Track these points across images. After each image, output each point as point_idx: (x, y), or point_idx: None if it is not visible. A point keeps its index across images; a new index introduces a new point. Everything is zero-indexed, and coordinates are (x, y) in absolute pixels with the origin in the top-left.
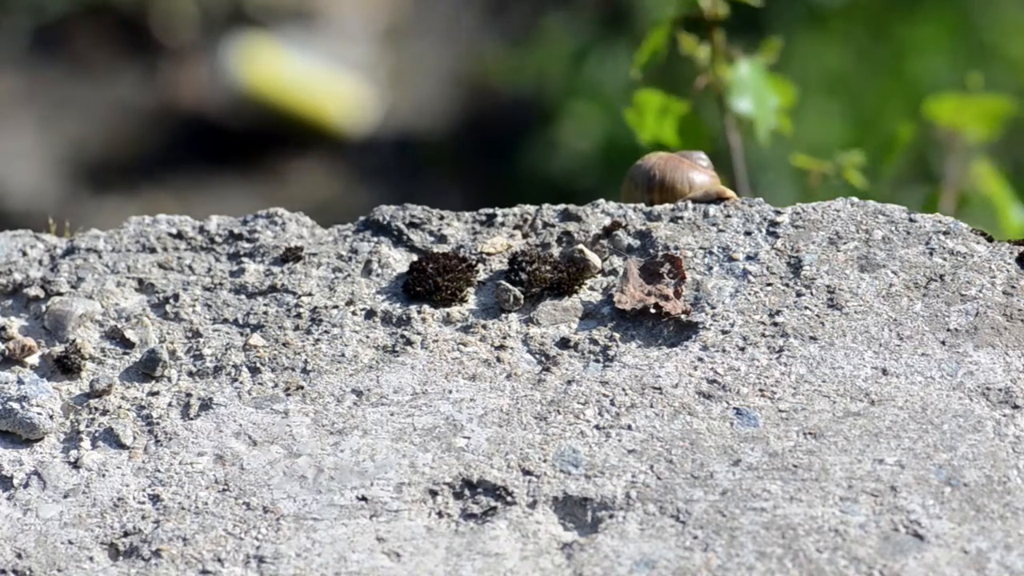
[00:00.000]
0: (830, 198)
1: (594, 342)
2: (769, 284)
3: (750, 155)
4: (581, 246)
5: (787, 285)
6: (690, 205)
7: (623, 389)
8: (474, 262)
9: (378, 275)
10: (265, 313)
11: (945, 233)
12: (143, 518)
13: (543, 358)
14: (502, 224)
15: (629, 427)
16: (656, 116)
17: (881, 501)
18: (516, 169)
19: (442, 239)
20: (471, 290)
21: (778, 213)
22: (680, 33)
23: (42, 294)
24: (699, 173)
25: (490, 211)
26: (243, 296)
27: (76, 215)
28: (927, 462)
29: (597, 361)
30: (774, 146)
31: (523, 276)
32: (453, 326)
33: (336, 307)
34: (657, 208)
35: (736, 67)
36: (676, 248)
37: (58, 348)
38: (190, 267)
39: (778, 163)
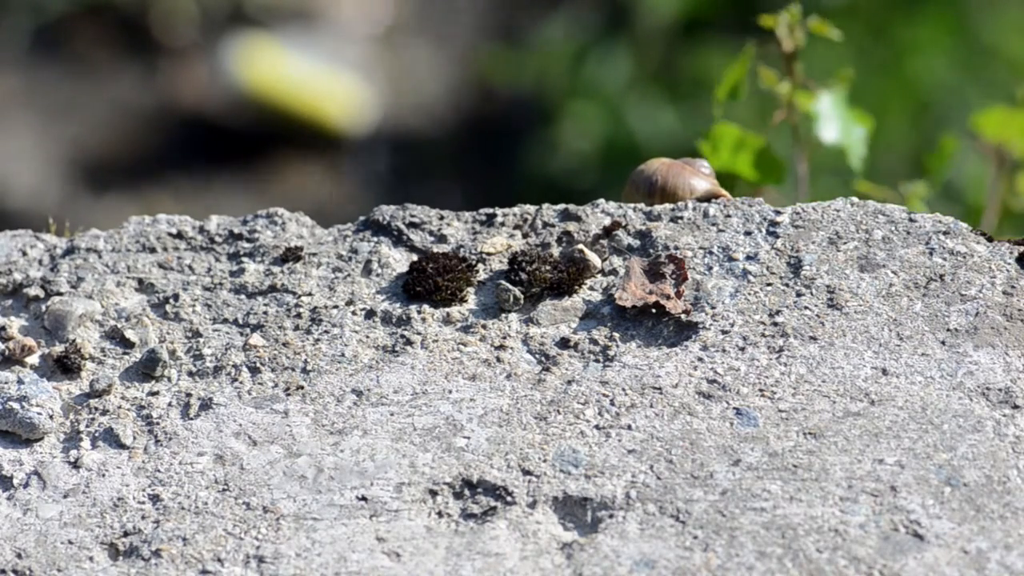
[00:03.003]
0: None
1: (594, 342)
2: (769, 284)
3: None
4: (581, 246)
5: (787, 285)
6: (690, 205)
7: (623, 389)
8: (474, 262)
9: (378, 275)
10: (265, 313)
11: (945, 233)
12: (143, 518)
13: (543, 358)
14: (502, 224)
15: (629, 427)
16: (731, 150)
17: (881, 501)
18: (516, 169)
19: (442, 239)
20: (471, 290)
21: (778, 213)
22: (761, 68)
23: (42, 294)
24: (701, 180)
25: (490, 211)
26: (243, 296)
27: (76, 215)
28: (927, 462)
29: (597, 361)
30: (820, 169)
31: (523, 276)
32: (453, 326)
33: (336, 307)
34: (657, 208)
35: (818, 99)
36: (676, 248)
37: (58, 348)
38: (190, 267)
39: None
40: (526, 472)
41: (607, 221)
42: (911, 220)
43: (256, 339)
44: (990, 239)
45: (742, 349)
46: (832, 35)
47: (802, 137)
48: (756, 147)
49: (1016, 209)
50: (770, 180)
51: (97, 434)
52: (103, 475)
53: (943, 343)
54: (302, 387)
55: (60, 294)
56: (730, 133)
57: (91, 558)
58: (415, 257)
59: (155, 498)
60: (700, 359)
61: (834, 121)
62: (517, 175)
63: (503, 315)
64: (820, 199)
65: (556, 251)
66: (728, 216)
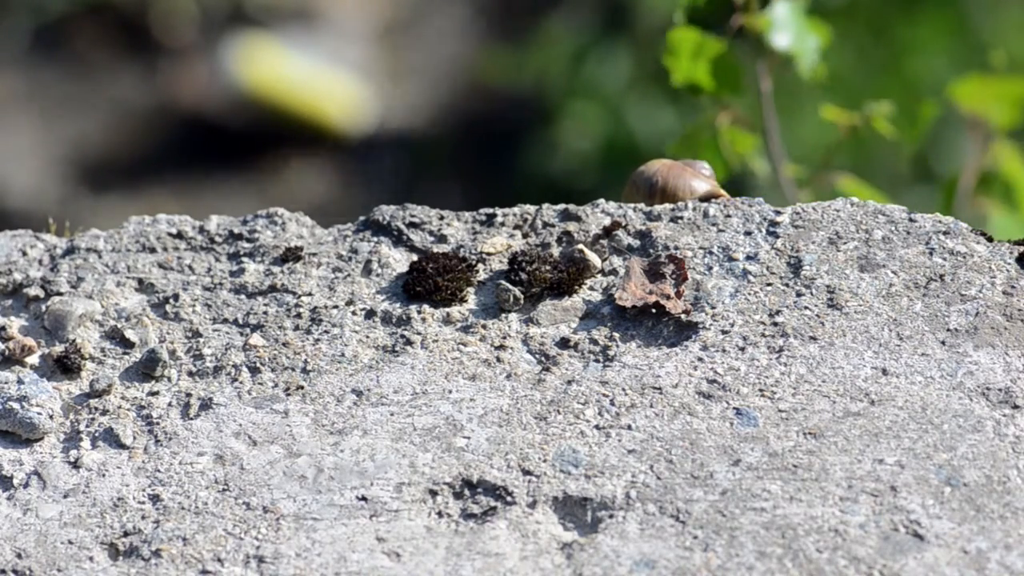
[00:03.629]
0: (829, 198)
1: (594, 342)
2: (769, 284)
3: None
4: (581, 246)
5: (787, 285)
6: (690, 205)
7: (623, 389)
8: (474, 262)
9: (378, 275)
10: (265, 313)
11: (945, 233)
12: (143, 518)
13: (543, 358)
14: (502, 224)
15: (629, 427)
16: (690, 56)
17: (881, 501)
18: (516, 169)
19: (442, 239)
20: (471, 290)
21: (778, 213)
22: None
23: (42, 294)
24: (701, 181)
25: (490, 211)
26: (243, 296)
27: (76, 215)
28: (927, 462)
29: (597, 361)
30: (789, 89)
31: (523, 276)
32: (453, 326)
33: (336, 307)
34: (657, 208)
35: (773, 6)
36: (676, 248)
37: (58, 348)
38: (190, 267)
39: (794, 105)
40: (526, 472)
41: (607, 221)
42: (911, 220)
43: (256, 339)
44: (990, 239)
45: (742, 349)
46: None
47: (762, 47)
48: (714, 53)
49: (994, 177)
50: (729, 90)
51: (97, 434)
52: (103, 475)
53: (943, 343)
54: (302, 387)
55: (60, 294)
56: (688, 37)
57: (91, 558)
58: (415, 257)
59: (155, 498)
60: (700, 359)
61: (788, 29)
62: (517, 175)
63: (503, 315)
64: (792, 119)
65: (556, 251)
66: (728, 216)
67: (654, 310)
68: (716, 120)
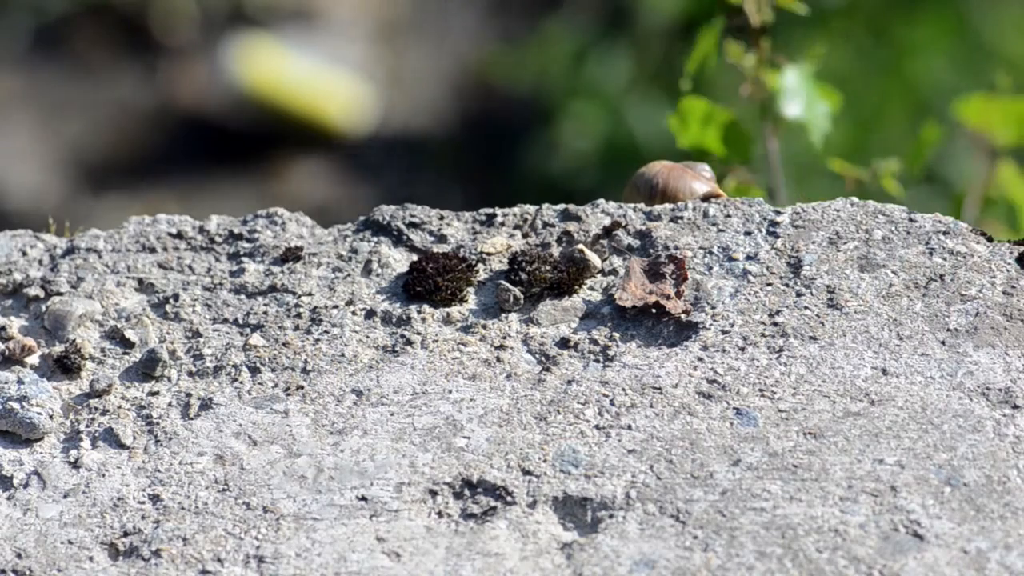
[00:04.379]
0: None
1: (594, 342)
2: (769, 284)
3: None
4: (581, 246)
5: (787, 285)
6: (690, 205)
7: (623, 389)
8: (474, 262)
9: (378, 275)
10: (265, 313)
11: (945, 233)
12: (143, 518)
13: (543, 358)
14: (502, 224)
15: (629, 427)
16: (699, 124)
17: (881, 501)
18: (516, 169)
19: (442, 239)
20: (471, 290)
21: (778, 213)
22: (727, 41)
23: (42, 294)
24: (701, 184)
25: (490, 211)
26: (243, 296)
27: (76, 215)
28: (927, 462)
29: (597, 361)
30: (798, 153)
31: (523, 276)
32: (453, 326)
33: (336, 307)
34: (657, 208)
35: (784, 74)
36: (676, 248)
37: (58, 348)
38: (190, 267)
39: (794, 163)
40: (526, 472)
41: (607, 221)
42: (911, 220)
43: (256, 339)
44: (990, 239)
45: (742, 349)
46: (799, 9)
47: (771, 114)
48: (724, 121)
49: (998, 196)
50: (738, 156)
51: (97, 434)
52: (103, 475)
53: (943, 343)
54: (302, 387)
55: (60, 294)
56: (698, 107)
57: (91, 558)
58: (415, 257)
59: (155, 498)
60: (700, 359)
61: (799, 96)
62: (517, 175)
63: (503, 315)
64: (800, 184)
65: (556, 251)
66: (728, 216)
67: (654, 310)
68: (724, 181)
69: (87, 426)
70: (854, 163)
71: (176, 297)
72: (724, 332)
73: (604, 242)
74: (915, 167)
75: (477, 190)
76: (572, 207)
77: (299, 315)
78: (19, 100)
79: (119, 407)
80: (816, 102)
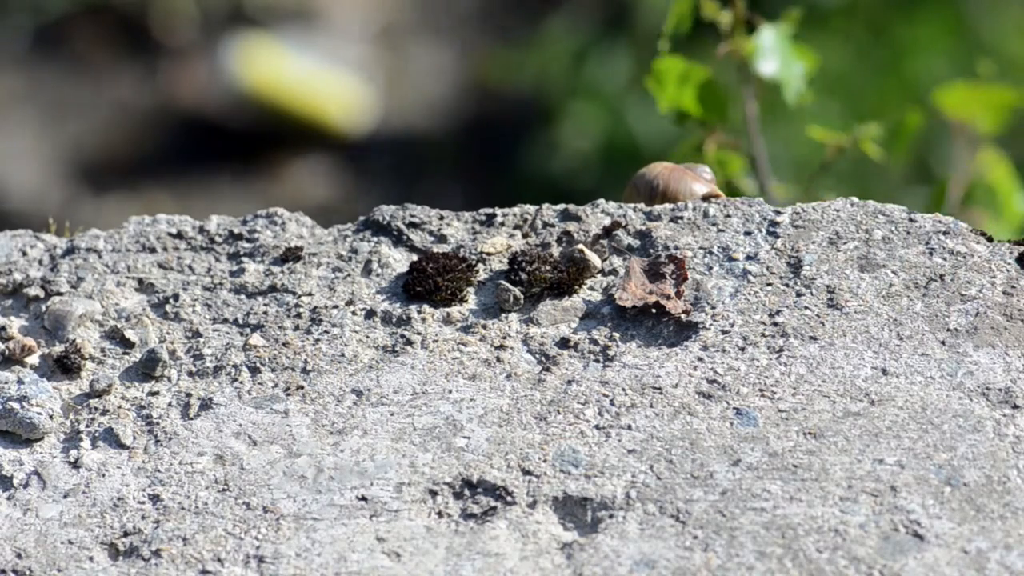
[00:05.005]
0: (830, 195)
1: (594, 342)
2: (769, 284)
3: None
4: (581, 246)
5: (787, 285)
6: (690, 205)
7: (623, 389)
8: (474, 262)
9: (378, 275)
10: (265, 313)
11: (945, 233)
12: (143, 518)
13: (543, 358)
14: (502, 224)
15: (629, 427)
16: (676, 84)
17: (881, 501)
18: (516, 169)
19: (442, 239)
20: (471, 290)
21: (778, 213)
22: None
23: (42, 294)
24: (702, 185)
25: (490, 211)
26: (243, 296)
27: (76, 215)
28: (927, 462)
29: (597, 361)
30: (783, 124)
31: (523, 276)
32: (453, 326)
33: (336, 307)
34: (657, 208)
35: (760, 33)
36: (676, 248)
37: (58, 348)
38: (190, 267)
39: (784, 135)
40: (526, 472)
41: (607, 221)
42: (911, 220)
43: (256, 339)
44: (990, 239)
45: (742, 349)
46: None
47: (747, 73)
48: (700, 80)
49: (980, 184)
50: (715, 116)
51: (97, 434)
52: (103, 475)
53: (943, 343)
54: (302, 387)
55: (60, 294)
56: (675, 65)
57: (91, 558)
58: (415, 257)
59: (155, 498)
60: (700, 359)
61: (774, 55)
62: (517, 175)
63: (503, 315)
64: (778, 142)
65: (556, 251)
66: (728, 216)
67: (654, 310)
68: (703, 144)
69: (87, 426)
70: (850, 166)
71: (176, 297)
72: (724, 332)
73: (604, 242)
74: (898, 152)
75: (477, 190)
76: (572, 207)
77: (299, 315)
78: (19, 100)
79: (119, 407)
80: (792, 61)
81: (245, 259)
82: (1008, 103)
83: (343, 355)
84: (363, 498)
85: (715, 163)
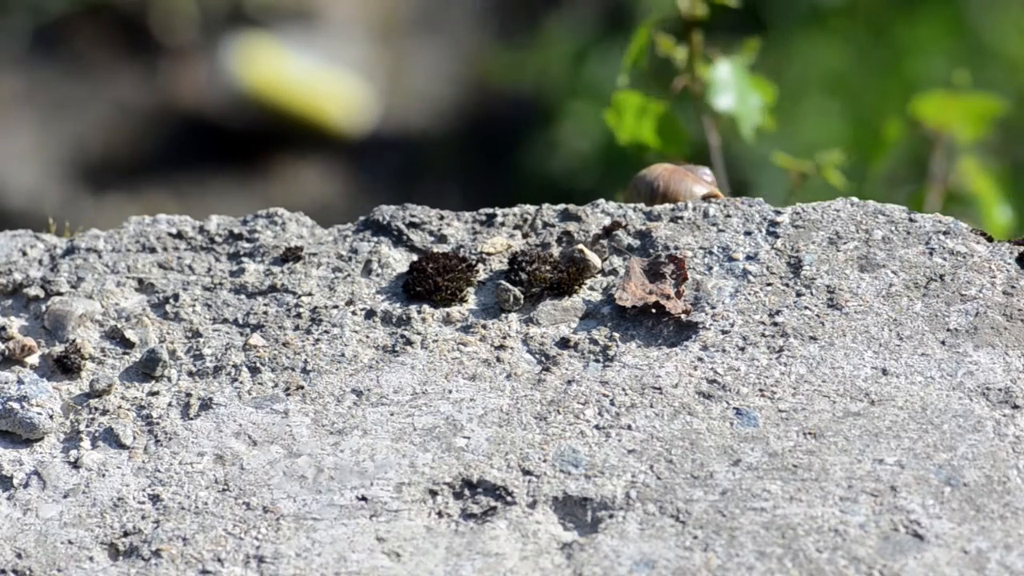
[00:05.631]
0: (822, 197)
1: (594, 342)
2: (769, 284)
3: (743, 155)
4: (581, 246)
5: (787, 285)
6: (690, 205)
7: (623, 389)
8: (474, 262)
9: (378, 275)
10: (265, 313)
11: (945, 233)
12: (143, 518)
13: (543, 358)
14: (502, 224)
15: (629, 427)
16: (635, 116)
17: (881, 501)
18: (516, 169)
19: (442, 239)
20: (471, 290)
21: (778, 213)
22: (658, 35)
23: (42, 294)
24: (702, 187)
25: (490, 211)
26: (243, 296)
27: (76, 215)
28: (927, 462)
29: (597, 361)
30: (767, 145)
31: (523, 276)
32: (453, 326)
33: (336, 307)
34: (657, 208)
35: (716, 67)
36: (676, 248)
37: (58, 348)
38: (190, 267)
39: (768, 162)
40: (526, 472)
41: (607, 221)
42: (911, 220)
43: (256, 339)
44: (990, 239)
45: (742, 349)
46: (730, 3)
47: (705, 107)
48: (658, 113)
49: (958, 193)
50: (673, 148)
51: (97, 434)
52: (103, 475)
53: (943, 343)
54: (302, 387)
55: (60, 294)
56: (632, 100)
57: (91, 558)
58: (415, 257)
59: (155, 498)
60: (700, 359)
61: (730, 89)
62: (517, 175)
63: (503, 315)
64: (807, 196)
65: (556, 251)
66: (728, 216)
67: (654, 310)
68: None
69: (87, 426)
70: (854, 162)
71: (176, 297)
72: (724, 332)
73: (604, 242)
74: (877, 163)
75: (477, 190)
76: (572, 207)
77: (299, 315)
78: (19, 100)
79: (119, 407)
80: (748, 94)
81: (245, 259)
82: (988, 112)
83: (343, 355)
84: (363, 498)
85: None
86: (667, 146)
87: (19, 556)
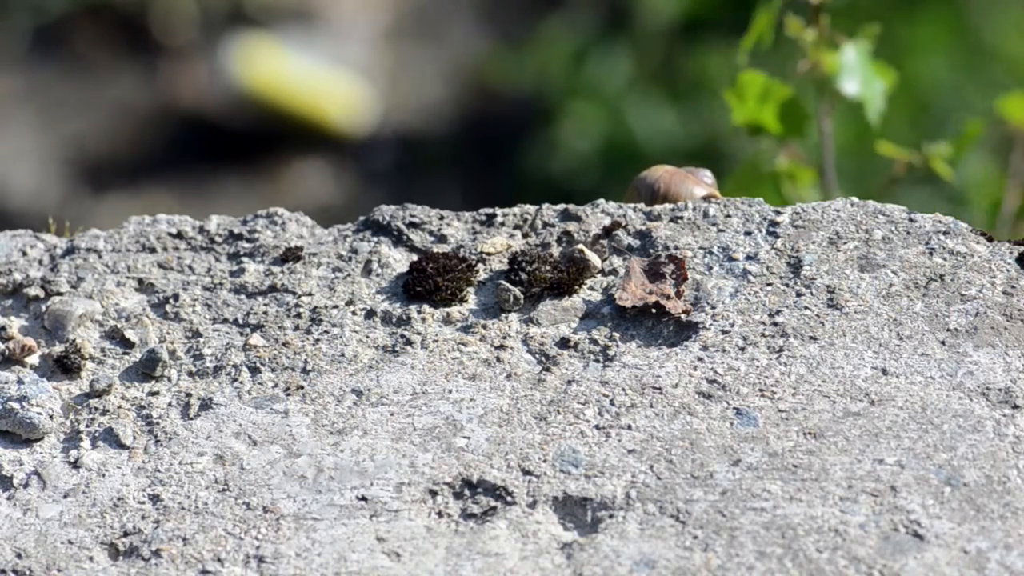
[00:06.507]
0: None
1: (594, 342)
2: (769, 284)
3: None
4: (581, 246)
5: (787, 285)
6: (690, 205)
7: (623, 389)
8: (474, 262)
9: (378, 275)
10: (265, 313)
11: (945, 233)
12: (143, 518)
13: (543, 358)
14: (502, 224)
15: (629, 427)
16: (757, 99)
17: (881, 501)
18: (516, 169)
19: (442, 239)
20: (471, 290)
21: (778, 213)
22: (787, 16)
23: (42, 294)
24: (702, 189)
25: (490, 211)
26: (243, 296)
27: (76, 215)
28: (927, 462)
29: (597, 361)
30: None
31: (523, 276)
32: (453, 326)
33: (336, 307)
34: (657, 208)
35: (842, 51)
36: (676, 248)
37: (58, 348)
38: (190, 267)
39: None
40: (526, 472)
41: (607, 221)
42: (911, 220)
43: (256, 339)
44: (990, 239)
45: (742, 349)
46: None
47: (828, 91)
48: (782, 97)
49: None
50: (795, 133)
51: (97, 434)
52: (103, 475)
53: (943, 343)
54: (302, 387)
55: (60, 294)
56: (756, 81)
57: (91, 558)
58: (415, 257)
59: (155, 498)
60: (700, 359)
61: (856, 74)
62: (517, 175)
63: (503, 315)
64: (847, 160)
65: (556, 251)
66: (728, 216)
67: (654, 310)
68: (777, 157)
69: (87, 426)
70: (855, 162)
71: (176, 297)
72: (724, 332)
73: (604, 242)
74: (958, 157)
75: (477, 190)
76: (572, 207)
77: (299, 315)
78: (19, 100)
79: (119, 407)
80: (873, 79)
81: (245, 259)
82: None
83: (343, 355)
84: (363, 498)
85: (786, 175)
86: (789, 131)
87: (19, 556)
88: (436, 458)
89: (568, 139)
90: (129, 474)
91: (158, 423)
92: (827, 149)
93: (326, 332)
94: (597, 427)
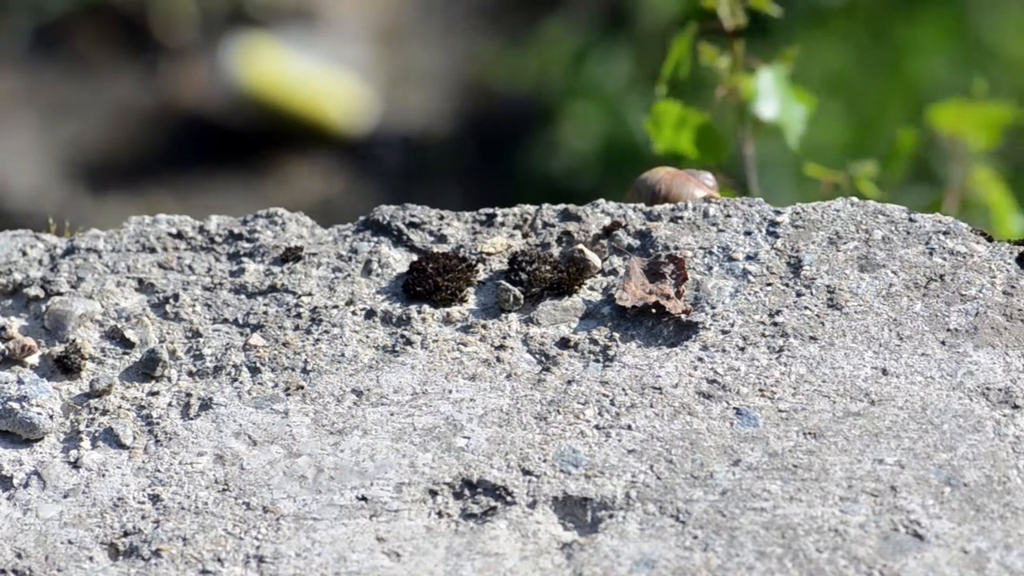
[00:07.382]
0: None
1: (594, 342)
2: (769, 284)
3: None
4: (581, 246)
5: (787, 285)
6: (690, 205)
7: (623, 389)
8: (474, 262)
9: (378, 275)
10: (265, 313)
11: (945, 233)
12: (143, 518)
13: (543, 358)
14: (502, 224)
15: (629, 427)
16: (673, 127)
17: (881, 501)
18: (516, 169)
19: (442, 239)
20: (471, 290)
21: (778, 213)
22: (700, 45)
23: (42, 294)
24: (703, 191)
25: (490, 211)
26: (243, 296)
27: (76, 215)
28: (927, 462)
29: (597, 361)
30: (775, 150)
31: (523, 276)
32: (453, 326)
33: (336, 307)
34: (657, 208)
35: (758, 76)
36: (676, 248)
37: (58, 348)
38: (190, 267)
39: (778, 165)
40: (526, 472)
41: (607, 221)
42: (911, 220)
43: (256, 339)
44: (990, 239)
45: (742, 349)
46: (771, 12)
47: (747, 116)
48: (698, 124)
49: (974, 201)
50: (711, 158)
51: (97, 434)
52: (103, 475)
53: (943, 343)
54: (302, 387)
55: (60, 294)
56: (671, 110)
57: (91, 558)
58: (415, 257)
59: (155, 498)
60: (700, 359)
61: (773, 98)
62: (517, 175)
63: (503, 315)
64: (771, 184)
65: (556, 251)
66: (728, 216)
67: (654, 310)
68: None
69: (87, 426)
70: (855, 162)
71: (176, 297)
72: (724, 332)
73: (604, 242)
74: (894, 171)
75: (477, 190)
76: (572, 207)
77: (299, 315)
78: (19, 100)
79: (119, 407)
80: (791, 104)
81: (245, 259)
82: (1000, 120)
83: (343, 355)
84: (363, 498)
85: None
86: (705, 156)
87: (19, 556)
88: (436, 458)
89: (568, 139)
90: (129, 474)
91: (158, 423)
92: (751, 172)
93: (326, 332)
94: (597, 427)
